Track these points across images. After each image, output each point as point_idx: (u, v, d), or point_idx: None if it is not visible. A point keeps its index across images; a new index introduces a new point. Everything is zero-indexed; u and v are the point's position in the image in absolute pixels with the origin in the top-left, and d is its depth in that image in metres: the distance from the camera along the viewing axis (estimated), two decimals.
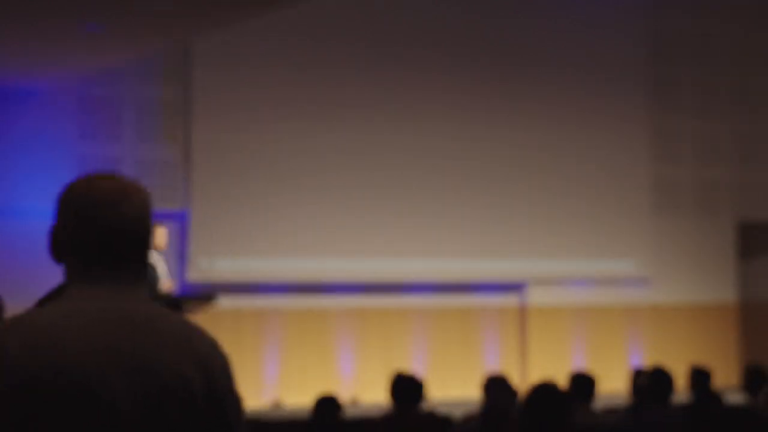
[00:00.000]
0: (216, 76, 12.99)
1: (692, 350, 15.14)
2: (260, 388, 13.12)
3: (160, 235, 10.57)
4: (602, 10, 15.17)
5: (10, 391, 2.14)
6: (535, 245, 14.55)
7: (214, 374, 2.26)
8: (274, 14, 11.71)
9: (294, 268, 13.30)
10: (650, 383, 6.77)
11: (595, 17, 15.11)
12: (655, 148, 15.61)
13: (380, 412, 6.97)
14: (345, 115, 13.60)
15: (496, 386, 7.17)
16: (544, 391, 4.73)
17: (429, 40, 14.06)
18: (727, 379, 13.83)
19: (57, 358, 2.16)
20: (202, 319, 12.38)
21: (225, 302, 11.77)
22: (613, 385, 13.21)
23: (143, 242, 2.31)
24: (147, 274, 2.33)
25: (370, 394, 13.11)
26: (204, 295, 10.68)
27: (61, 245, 2.30)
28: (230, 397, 2.30)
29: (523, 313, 14.72)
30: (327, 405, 6.79)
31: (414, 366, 13.42)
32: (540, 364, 14.39)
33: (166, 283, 10.66)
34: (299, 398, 12.70)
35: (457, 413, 7.80)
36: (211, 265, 12.64)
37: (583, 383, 6.93)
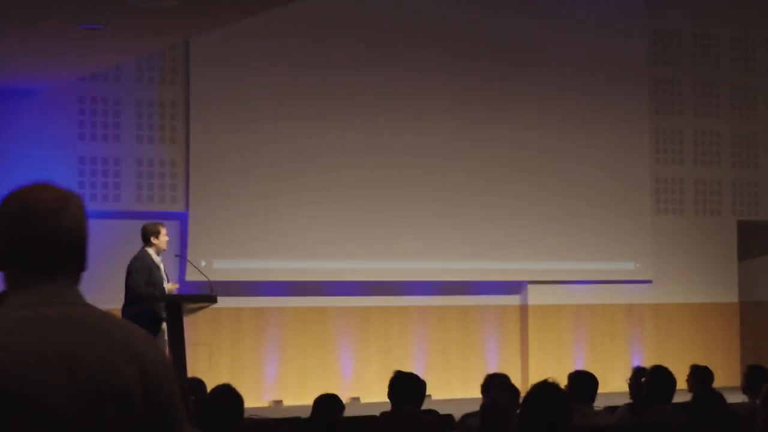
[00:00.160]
0: (215, 76, 12.98)
1: (693, 350, 15.12)
2: (260, 388, 13.12)
3: (163, 235, 10.58)
4: (602, 10, 15.17)
5: None
6: (535, 245, 14.54)
7: (150, 371, 2.29)
8: (273, 14, 11.70)
9: (294, 269, 13.29)
10: (651, 383, 6.76)
11: (595, 17, 15.10)
12: (655, 148, 15.61)
13: (380, 411, 6.96)
14: (345, 115, 13.59)
15: (496, 386, 7.16)
16: (544, 390, 4.72)
17: (429, 40, 14.06)
18: (727, 379, 13.81)
19: None
20: (202, 319, 12.39)
21: (225, 302, 11.76)
22: (614, 385, 13.19)
23: (80, 249, 2.36)
24: (80, 278, 2.37)
25: (370, 394, 13.11)
26: (204, 295, 10.67)
27: (0, 254, 2.35)
28: (168, 393, 2.32)
29: (523, 313, 14.71)
30: (328, 403, 6.78)
31: (414, 366, 13.41)
32: (540, 364, 14.38)
33: (170, 284, 10.68)
34: (299, 398, 12.70)
35: (457, 413, 7.79)
36: (211, 265, 12.63)
37: (583, 383, 6.91)
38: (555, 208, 14.65)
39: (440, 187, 14.03)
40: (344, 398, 7.19)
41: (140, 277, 10.28)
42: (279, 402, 13.13)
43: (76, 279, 2.35)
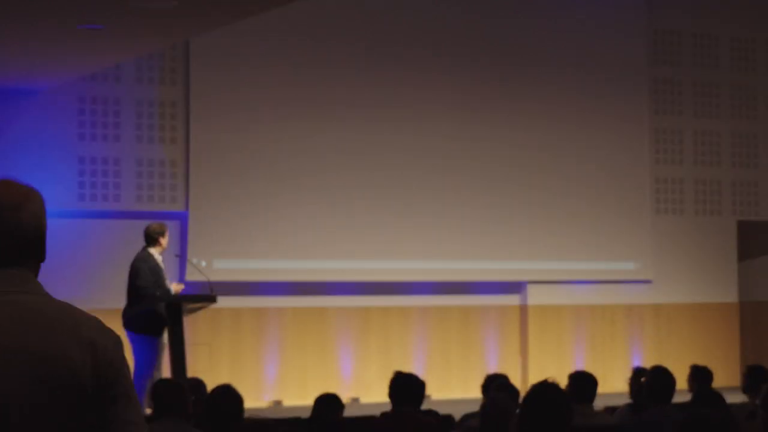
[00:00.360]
0: (215, 76, 12.98)
1: (693, 350, 15.12)
2: (260, 388, 13.12)
3: (167, 235, 10.59)
4: (602, 10, 15.16)
5: None
6: (535, 246, 14.54)
7: (101, 356, 2.35)
8: (273, 14, 11.70)
9: (294, 269, 13.29)
10: (651, 383, 6.76)
11: (595, 17, 15.10)
12: (655, 148, 15.61)
13: (380, 411, 6.96)
14: (345, 115, 13.59)
15: (496, 386, 7.17)
16: (544, 390, 4.72)
17: (429, 40, 14.06)
18: (727, 379, 13.82)
19: None
20: (202, 319, 12.39)
21: (225, 302, 11.76)
22: (614, 385, 13.20)
23: (39, 242, 2.47)
24: (39, 268, 2.48)
25: (370, 394, 13.11)
26: (204, 295, 10.67)
27: None
28: (115, 373, 2.38)
29: (523, 313, 14.71)
30: (328, 403, 6.78)
31: (414, 366, 13.40)
32: (540, 364, 14.38)
33: (175, 284, 10.68)
34: (299, 398, 12.70)
35: (457, 413, 7.79)
36: (211, 265, 12.63)
37: (583, 383, 6.91)
38: (555, 208, 14.65)
39: (440, 187, 14.03)
40: (344, 398, 7.19)
41: (148, 277, 10.27)
42: (279, 402, 13.13)
43: (35, 269, 2.45)
